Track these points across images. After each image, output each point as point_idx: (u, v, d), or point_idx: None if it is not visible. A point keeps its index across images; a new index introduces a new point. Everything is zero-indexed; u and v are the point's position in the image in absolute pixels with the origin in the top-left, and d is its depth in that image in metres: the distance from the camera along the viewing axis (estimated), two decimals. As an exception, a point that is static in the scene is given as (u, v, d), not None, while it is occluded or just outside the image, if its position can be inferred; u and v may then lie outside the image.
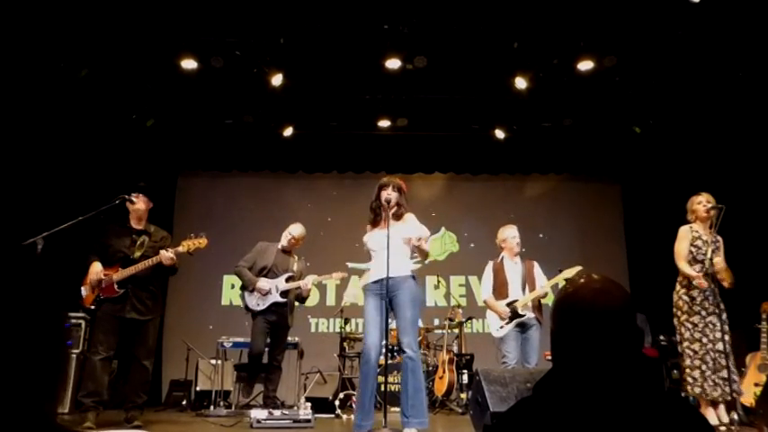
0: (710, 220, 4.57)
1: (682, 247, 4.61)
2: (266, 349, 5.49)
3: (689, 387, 4.40)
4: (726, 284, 4.46)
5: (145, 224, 4.77)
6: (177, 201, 8.79)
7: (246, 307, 5.48)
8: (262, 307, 5.37)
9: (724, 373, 4.24)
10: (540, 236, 8.68)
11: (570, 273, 4.79)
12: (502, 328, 4.98)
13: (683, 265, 4.55)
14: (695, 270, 4.51)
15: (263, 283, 5.37)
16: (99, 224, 4.45)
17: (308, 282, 5.41)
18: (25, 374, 0.68)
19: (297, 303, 5.70)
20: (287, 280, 5.44)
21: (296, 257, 5.65)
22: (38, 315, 0.71)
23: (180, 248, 4.63)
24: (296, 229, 5.63)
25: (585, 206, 9.04)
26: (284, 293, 5.41)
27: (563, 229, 8.82)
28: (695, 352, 4.39)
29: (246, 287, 5.50)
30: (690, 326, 4.44)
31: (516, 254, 5.17)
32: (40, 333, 0.71)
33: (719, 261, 4.46)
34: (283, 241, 5.61)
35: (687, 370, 4.42)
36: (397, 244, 3.96)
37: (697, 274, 4.43)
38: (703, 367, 4.33)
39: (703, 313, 4.39)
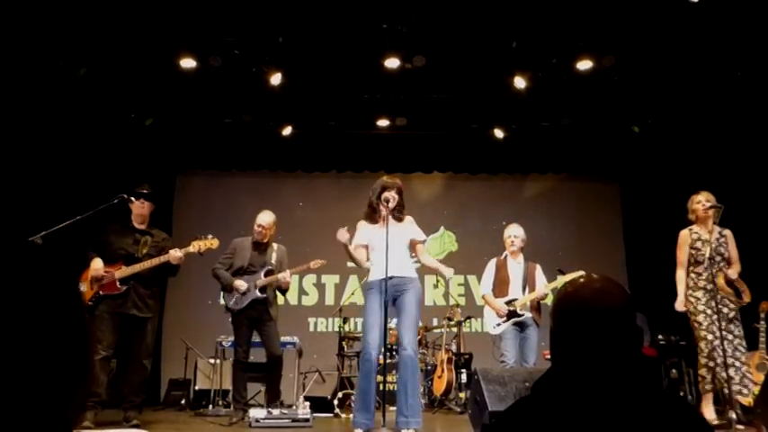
0: (711, 218, 4.59)
1: (681, 253, 4.69)
2: (251, 346, 5.23)
3: (700, 384, 4.51)
4: (737, 301, 4.54)
5: (147, 226, 4.80)
6: (176, 200, 8.79)
7: (226, 307, 5.22)
8: (240, 305, 5.08)
9: (731, 371, 4.27)
10: (539, 235, 8.67)
11: (571, 277, 4.80)
12: (499, 325, 4.97)
13: (679, 273, 4.68)
14: (697, 271, 4.58)
15: (240, 282, 5.07)
16: (97, 223, 4.45)
17: (287, 275, 5.11)
18: (48, 380, 0.63)
19: (279, 295, 5.40)
20: (266, 274, 5.14)
21: (274, 247, 5.29)
22: (58, 314, 0.66)
23: (190, 249, 4.63)
24: (262, 217, 5.23)
25: (584, 206, 9.04)
26: (263, 289, 5.11)
27: (562, 228, 8.82)
28: (701, 350, 4.49)
29: (225, 288, 5.24)
30: (696, 324, 4.54)
31: (516, 253, 5.15)
32: (62, 333, 0.66)
33: (720, 281, 4.51)
34: (254, 234, 5.24)
35: (702, 369, 4.48)
36: (402, 244, 4.02)
37: (680, 300, 4.62)
38: (711, 364, 4.41)
39: (708, 311, 4.47)
